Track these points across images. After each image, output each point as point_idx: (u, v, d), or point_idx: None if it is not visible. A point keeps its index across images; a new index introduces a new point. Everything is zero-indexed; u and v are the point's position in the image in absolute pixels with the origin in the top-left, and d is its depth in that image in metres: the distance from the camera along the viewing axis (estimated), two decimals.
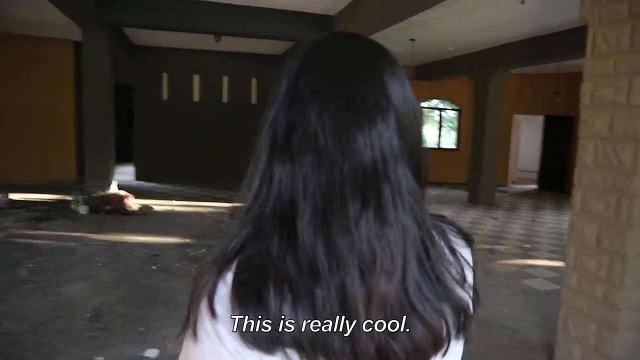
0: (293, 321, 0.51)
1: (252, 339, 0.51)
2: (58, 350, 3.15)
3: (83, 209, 7.53)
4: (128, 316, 3.71)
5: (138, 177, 11.70)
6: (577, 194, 2.93)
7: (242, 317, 0.52)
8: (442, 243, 0.61)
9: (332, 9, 7.55)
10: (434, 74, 12.16)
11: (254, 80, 12.10)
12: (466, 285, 0.61)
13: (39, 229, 6.45)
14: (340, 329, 0.51)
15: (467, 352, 0.66)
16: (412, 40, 9.30)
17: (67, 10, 6.48)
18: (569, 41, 7.72)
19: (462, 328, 0.59)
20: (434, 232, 0.59)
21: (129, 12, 7.26)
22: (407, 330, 0.54)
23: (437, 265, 0.58)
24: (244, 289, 0.53)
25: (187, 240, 6.18)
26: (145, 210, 7.85)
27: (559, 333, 3.06)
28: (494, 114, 10.22)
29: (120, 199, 7.97)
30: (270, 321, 0.51)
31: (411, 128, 0.58)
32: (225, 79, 11.99)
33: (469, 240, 0.68)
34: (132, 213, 7.70)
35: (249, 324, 0.51)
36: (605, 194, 2.75)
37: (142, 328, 3.49)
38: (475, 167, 10.48)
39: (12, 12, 8.05)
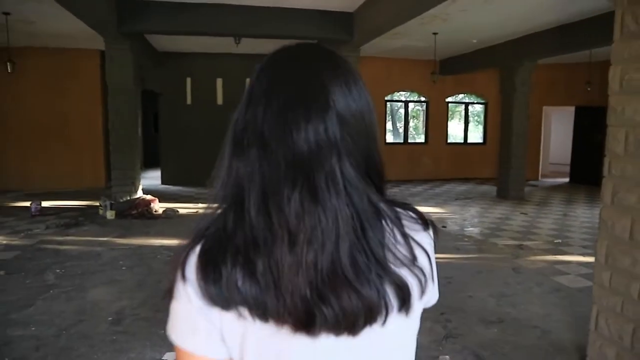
0: (241, 284, 0.61)
1: (211, 298, 0.63)
2: (80, 354, 3.17)
3: (110, 214, 7.64)
4: (149, 320, 3.71)
5: (164, 181, 11.84)
6: (608, 186, 2.77)
7: (203, 280, 0.63)
8: (390, 227, 0.67)
9: (351, 6, 7.45)
10: (459, 68, 11.91)
11: None
12: (416, 264, 0.68)
13: (67, 234, 6.57)
14: (274, 293, 0.61)
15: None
16: (435, 34, 9.13)
17: (89, 22, 6.57)
18: (599, 28, 7.41)
19: (405, 304, 0.66)
20: (385, 218, 0.67)
21: (150, 20, 7.32)
22: (337, 298, 0.61)
23: (374, 245, 0.64)
24: (205, 258, 0.64)
25: None
26: (171, 214, 7.92)
27: (591, 334, 2.90)
28: (521, 107, 9.93)
29: (147, 203, 8.07)
30: (224, 284, 0.62)
31: (360, 131, 0.66)
32: (247, 81, 11.95)
33: (426, 225, 0.74)
34: (158, 217, 7.77)
35: (208, 286, 0.63)
36: (638, 185, 2.58)
37: (162, 331, 3.48)
38: (504, 162, 10.20)
39: (44, 27, 8.27)
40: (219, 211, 0.68)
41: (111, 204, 7.78)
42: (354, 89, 0.68)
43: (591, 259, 5.51)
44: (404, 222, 0.71)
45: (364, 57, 11.13)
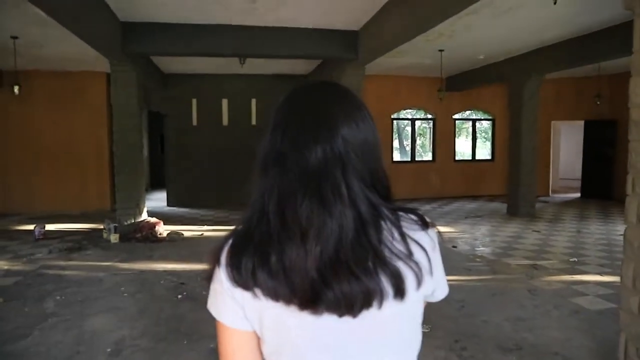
0: (256, 270, 0.77)
1: (235, 281, 0.80)
2: None
3: (114, 238, 7.52)
4: (149, 350, 3.54)
5: (170, 203, 11.74)
6: (632, 204, 2.61)
7: (229, 266, 0.80)
8: (389, 226, 0.81)
9: (356, 24, 7.39)
10: (465, 84, 11.82)
11: None
12: (412, 259, 0.80)
13: (70, 259, 6.44)
14: (283, 278, 0.76)
15: None
16: (441, 51, 9.06)
17: (94, 44, 6.53)
18: (607, 41, 7.30)
19: (399, 291, 0.78)
20: (385, 219, 0.80)
21: (154, 42, 7.29)
22: (339, 283, 0.74)
23: (373, 241, 0.77)
24: (233, 249, 0.82)
25: None
26: (175, 237, 7.78)
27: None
28: (529, 122, 9.78)
29: (151, 226, 7.95)
30: (242, 270, 0.78)
31: (364, 152, 0.81)
32: (253, 102, 11.97)
33: (425, 226, 0.86)
34: (162, 240, 7.64)
35: (233, 271, 0.80)
36: None
37: None
38: (513, 178, 10.02)
39: (51, 50, 8.30)
40: (248, 216, 0.84)
41: (115, 227, 7.66)
42: (360, 121, 0.83)
43: (610, 279, 5.32)
44: (403, 223, 0.83)
45: (370, 75, 11.06)
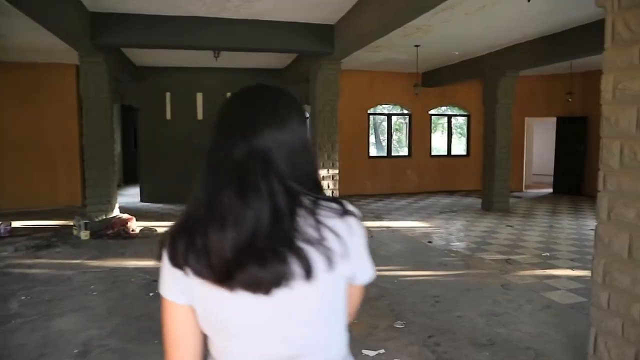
0: (184, 252, 0.90)
1: (172, 261, 0.93)
2: None
3: (85, 235, 7.33)
4: (118, 351, 3.44)
5: (144, 198, 11.52)
6: (603, 201, 2.62)
7: (168, 248, 0.94)
8: (306, 215, 0.90)
9: (332, 18, 7.33)
10: (441, 80, 11.88)
11: None
12: (323, 244, 0.89)
13: (38, 257, 6.25)
14: (204, 258, 0.88)
15: None
16: (417, 46, 9.07)
17: (61, 34, 6.33)
18: (580, 38, 7.41)
19: (309, 273, 0.87)
20: (302, 209, 0.90)
21: (125, 33, 7.09)
22: (251, 265, 0.86)
23: (286, 228, 0.87)
24: (173, 233, 0.94)
25: None
26: (148, 233, 7.63)
27: (589, 358, 2.73)
28: (504, 118, 9.88)
29: (123, 222, 7.77)
30: (177, 252, 0.92)
31: (290, 151, 0.92)
32: (228, 96, 11.79)
33: (342, 214, 0.94)
34: (135, 236, 7.48)
35: (170, 253, 0.93)
36: (635, 200, 2.44)
37: None
38: (487, 173, 10.12)
39: (16, 41, 8.00)
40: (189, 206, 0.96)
41: (86, 224, 7.46)
42: (288, 123, 0.94)
43: (580, 273, 5.41)
44: (321, 211, 0.92)
45: (346, 70, 11.02)
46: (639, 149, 2.41)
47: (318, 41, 7.67)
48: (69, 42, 6.83)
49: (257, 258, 0.85)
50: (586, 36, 7.26)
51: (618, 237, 2.52)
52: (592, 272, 2.71)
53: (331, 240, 0.90)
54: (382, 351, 3.45)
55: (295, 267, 0.86)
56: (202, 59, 9.94)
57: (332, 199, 0.96)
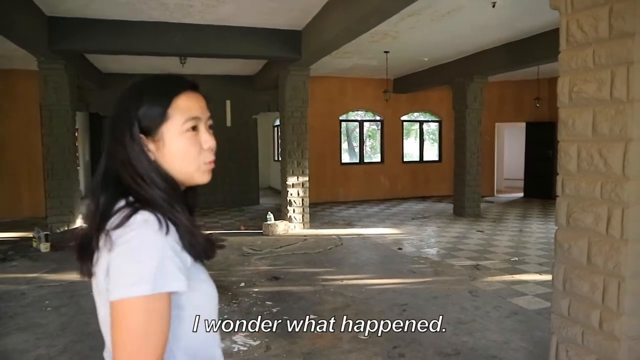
0: None
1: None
2: None
3: (45, 247, 7.04)
4: None
5: None
6: (562, 206, 2.58)
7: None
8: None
9: (299, 24, 7.25)
10: (412, 86, 11.91)
11: (227, 103, 11.76)
12: (106, 250, 0.92)
13: None
14: None
15: None
16: (386, 52, 9.06)
17: (16, 39, 6.10)
18: (545, 44, 7.48)
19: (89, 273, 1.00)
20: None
21: (85, 39, 6.87)
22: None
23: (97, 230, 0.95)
24: None
25: None
26: None
27: None
28: (474, 124, 9.95)
29: None
30: None
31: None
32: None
33: (120, 225, 0.92)
34: None
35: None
36: (593, 204, 2.39)
37: None
38: (459, 179, 10.16)
39: None
40: None
41: (46, 236, 7.18)
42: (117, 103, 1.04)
43: (548, 277, 5.37)
44: (111, 219, 0.93)
45: (317, 76, 10.98)
46: (596, 152, 2.36)
47: (285, 47, 7.58)
48: (26, 47, 6.59)
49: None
50: (552, 42, 7.29)
51: (577, 242, 2.47)
52: (552, 279, 2.66)
53: (107, 250, 0.93)
54: None
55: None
56: (169, 65, 9.74)
57: (127, 207, 0.98)
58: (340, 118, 12.60)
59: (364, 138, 14.12)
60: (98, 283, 0.94)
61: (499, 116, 12.87)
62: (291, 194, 8.50)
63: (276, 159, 14.78)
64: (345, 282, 5.39)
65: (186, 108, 1.01)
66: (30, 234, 7.81)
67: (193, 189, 1.09)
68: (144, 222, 0.90)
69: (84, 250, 0.97)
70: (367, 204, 11.97)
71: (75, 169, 8.11)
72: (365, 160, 13.64)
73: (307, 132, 8.57)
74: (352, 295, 4.88)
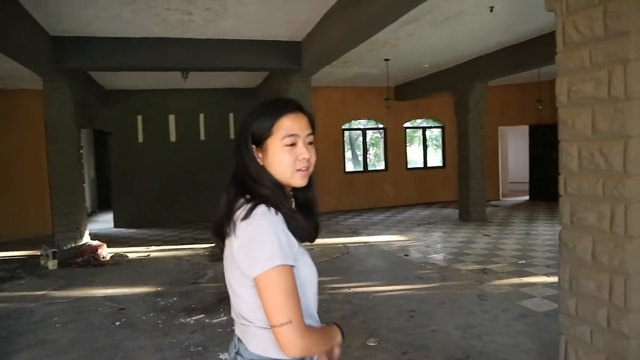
0: None
1: None
2: None
3: (52, 264, 7.08)
4: None
5: (117, 224, 11.25)
6: (565, 205, 2.58)
7: None
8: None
9: (299, 35, 7.31)
10: (413, 93, 11.95)
11: (231, 116, 11.83)
12: (234, 234, 1.21)
13: (0, 290, 5.99)
14: None
15: None
16: (386, 60, 9.11)
17: (21, 60, 6.18)
18: (545, 47, 7.48)
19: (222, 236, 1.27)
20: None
21: (89, 56, 6.96)
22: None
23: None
24: None
25: (159, 288, 5.75)
26: (119, 260, 7.40)
27: None
28: (476, 128, 9.95)
29: (94, 249, 7.54)
30: None
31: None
32: (201, 117, 11.70)
33: (245, 217, 1.19)
34: (105, 263, 7.25)
35: None
36: (596, 203, 2.40)
37: None
38: (463, 184, 10.15)
39: None
40: None
41: (54, 253, 7.22)
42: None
43: (556, 279, 5.36)
44: (237, 212, 1.22)
45: (319, 87, 11.05)
46: (596, 151, 2.37)
47: (286, 58, 7.64)
48: (31, 67, 6.67)
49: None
50: (550, 44, 7.33)
51: (581, 241, 2.47)
52: (559, 279, 2.66)
53: (238, 233, 1.20)
54: None
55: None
56: (171, 80, 9.84)
57: (251, 200, 1.23)
58: (343, 127, 12.65)
59: (367, 146, 14.14)
60: (228, 258, 1.23)
61: (502, 120, 12.87)
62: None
63: None
64: (352, 289, 5.39)
65: (287, 127, 1.25)
66: (38, 252, 7.86)
67: (304, 188, 1.34)
68: (263, 213, 1.16)
69: (218, 232, 1.27)
70: (373, 212, 11.97)
71: (82, 185, 8.15)
72: (369, 169, 13.66)
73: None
74: (360, 302, 4.87)
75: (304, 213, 1.31)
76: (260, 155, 1.27)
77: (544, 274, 5.71)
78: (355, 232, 9.12)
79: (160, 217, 11.21)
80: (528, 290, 5.09)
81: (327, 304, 4.88)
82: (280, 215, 1.19)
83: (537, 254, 6.76)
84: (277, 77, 8.95)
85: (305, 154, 1.27)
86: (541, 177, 12.65)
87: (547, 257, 6.58)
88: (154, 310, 4.91)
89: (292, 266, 1.16)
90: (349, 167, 13.63)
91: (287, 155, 1.25)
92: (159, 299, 5.30)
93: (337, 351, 1.38)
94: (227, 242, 1.23)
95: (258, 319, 1.22)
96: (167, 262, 7.23)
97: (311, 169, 1.31)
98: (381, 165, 13.80)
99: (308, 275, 1.26)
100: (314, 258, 1.33)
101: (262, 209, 1.17)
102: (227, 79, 10.31)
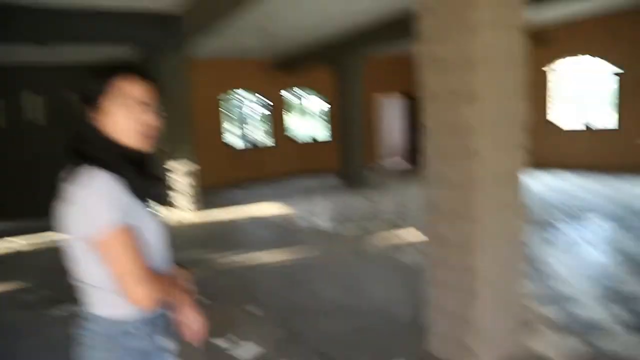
0: None
1: None
2: None
3: None
4: None
5: None
6: (426, 160, 2.85)
7: None
8: None
9: (175, 6, 6.97)
10: (295, 65, 12.07)
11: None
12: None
13: None
14: None
15: None
16: (266, 32, 9.07)
17: None
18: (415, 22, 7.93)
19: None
20: None
21: None
22: None
23: None
24: None
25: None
26: None
27: (428, 307, 2.97)
28: (355, 98, 10.43)
29: None
30: None
31: None
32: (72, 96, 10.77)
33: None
34: None
35: None
36: (448, 157, 2.68)
37: None
38: (344, 152, 10.66)
39: None
40: None
41: None
42: None
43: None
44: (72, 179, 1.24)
45: (196, 59, 10.69)
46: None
47: (161, 31, 7.30)
48: None
49: None
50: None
51: (439, 193, 2.76)
52: (424, 229, 2.95)
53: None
54: (234, 338, 3.42)
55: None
56: (32, 54, 8.89)
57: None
58: (225, 99, 12.45)
59: (250, 119, 14.09)
60: (67, 225, 1.25)
61: (378, 89, 13.53)
62: (179, 181, 8.27)
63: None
64: (237, 262, 5.43)
65: (124, 88, 1.29)
66: None
67: (143, 150, 1.34)
68: (95, 176, 1.19)
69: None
70: (258, 185, 11.99)
71: None
72: (254, 141, 13.62)
73: (190, 116, 8.41)
74: (243, 273, 4.96)
75: (142, 173, 1.31)
76: (96, 117, 1.28)
77: (419, 231, 6.19)
78: (241, 206, 9.10)
79: (27, 208, 10.19)
80: (404, 247, 5.51)
81: (211, 278, 4.87)
82: (115, 176, 1.21)
83: (411, 214, 7.30)
84: (156, 51, 8.51)
85: (143, 117, 1.29)
86: (415, 143, 13.55)
87: (420, 215, 7.12)
88: (22, 308, 4.55)
89: (129, 225, 1.20)
90: (233, 140, 13.37)
91: (123, 116, 1.27)
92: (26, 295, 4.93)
93: (191, 300, 1.45)
94: (64, 209, 1.23)
95: (102, 280, 1.24)
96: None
97: (152, 132, 1.32)
98: (266, 138, 13.70)
99: (149, 233, 1.30)
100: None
101: (94, 171, 1.20)
102: (102, 53, 9.54)
